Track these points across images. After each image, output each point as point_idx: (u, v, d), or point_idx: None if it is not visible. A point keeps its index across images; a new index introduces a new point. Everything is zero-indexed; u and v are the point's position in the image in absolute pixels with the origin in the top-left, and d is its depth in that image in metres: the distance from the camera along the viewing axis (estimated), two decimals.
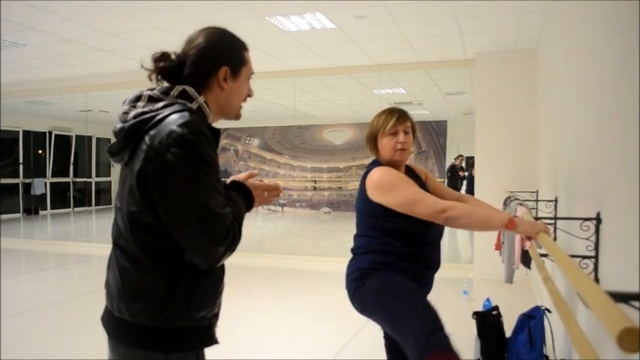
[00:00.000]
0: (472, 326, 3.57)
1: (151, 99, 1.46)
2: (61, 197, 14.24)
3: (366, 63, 7.40)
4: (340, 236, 9.00)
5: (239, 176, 1.67)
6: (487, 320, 3.59)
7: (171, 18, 5.15)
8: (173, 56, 1.50)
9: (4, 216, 11.93)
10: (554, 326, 3.49)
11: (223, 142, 14.26)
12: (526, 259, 3.31)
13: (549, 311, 3.38)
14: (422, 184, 2.41)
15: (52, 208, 13.62)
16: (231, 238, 1.39)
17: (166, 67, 1.48)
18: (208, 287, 1.47)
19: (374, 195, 2.23)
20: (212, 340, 1.52)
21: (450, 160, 12.76)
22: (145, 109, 1.43)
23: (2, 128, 11.10)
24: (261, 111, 12.12)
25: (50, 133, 13.74)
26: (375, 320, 2.22)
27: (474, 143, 6.82)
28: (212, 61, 1.50)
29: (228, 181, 1.63)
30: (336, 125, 13.73)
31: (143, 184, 1.37)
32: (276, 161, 13.97)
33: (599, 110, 2.36)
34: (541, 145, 5.66)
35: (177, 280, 1.40)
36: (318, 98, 10.70)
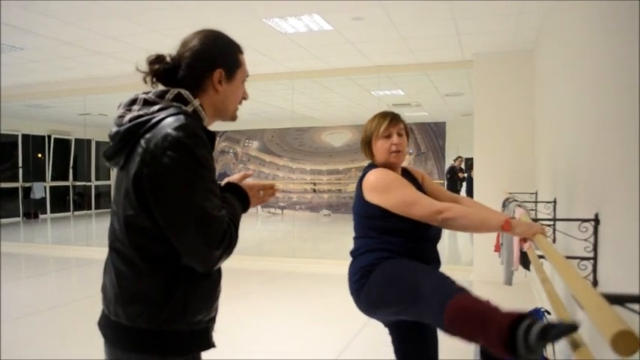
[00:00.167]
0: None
1: (147, 102, 1.46)
2: (60, 201, 14.23)
3: (363, 64, 7.40)
4: (340, 238, 8.98)
5: (233, 177, 1.67)
6: None
7: (170, 21, 5.15)
8: (168, 59, 1.50)
9: (3, 220, 11.92)
10: None
11: (222, 144, 14.27)
12: (525, 261, 3.30)
13: (549, 313, 3.36)
14: (418, 186, 2.42)
15: (51, 212, 13.61)
16: (227, 241, 1.38)
17: (161, 69, 1.48)
18: (205, 291, 1.47)
19: (370, 196, 2.24)
20: (209, 344, 1.51)
21: (449, 162, 12.75)
22: (141, 113, 1.43)
23: (1, 132, 11.08)
24: (259, 113, 12.12)
25: (49, 136, 13.73)
26: (386, 313, 2.19)
27: (473, 144, 6.81)
28: (207, 64, 1.50)
29: (223, 183, 1.62)
30: (335, 127, 13.73)
31: (139, 187, 1.37)
32: (276, 163, 13.97)
33: (597, 111, 2.36)
34: (540, 146, 5.65)
35: (173, 283, 1.40)
36: (316, 100, 10.70)
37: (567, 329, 1.23)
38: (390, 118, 2.36)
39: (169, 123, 1.37)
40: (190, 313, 1.42)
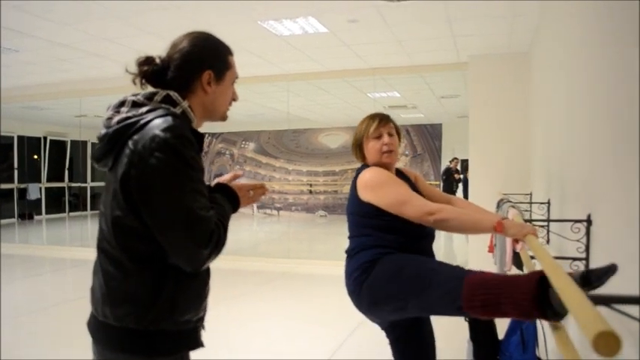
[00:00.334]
0: (465, 329, 3.56)
1: (135, 104, 1.47)
2: (56, 202, 14.20)
3: (359, 67, 7.41)
4: (336, 239, 8.98)
5: (223, 178, 1.68)
6: (480, 323, 3.58)
7: (165, 23, 5.14)
8: (157, 60, 1.51)
9: None
10: (546, 328, 3.49)
11: (219, 146, 14.26)
12: (518, 262, 3.31)
13: None
14: (412, 186, 2.41)
15: (47, 213, 13.58)
16: (215, 241, 1.38)
17: (150, 71, 1.49)
18: (193, 291, 1.47)
19: (364, 194, 2.22)
20: (197, 344, 1.52)
21: (445, 163, 12.77)
22: (129, 115, 1.44)
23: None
24: (256, 115, 12.12)
25: (45, 138, 13.71)
26: (388, 310, 2.15)
27: (468, 146, 6.83)
28: (196, 65, 1.51)
29: (213, 183, 1.63)
30: (331, 129, 13.74)
31: (126, 188, 1.38)
32: (272, 165, 13.97)
33: (590, 113, 2.37)
34: (535, 148, 5.67)
35: (161, 283, 1.40)
36: (312, 102, 10.71)
37: (609, 270, 1.26)
38: (380, 119, 2.35)
39: (157, 124, 1.38)
40: (178, 313, 1.43)
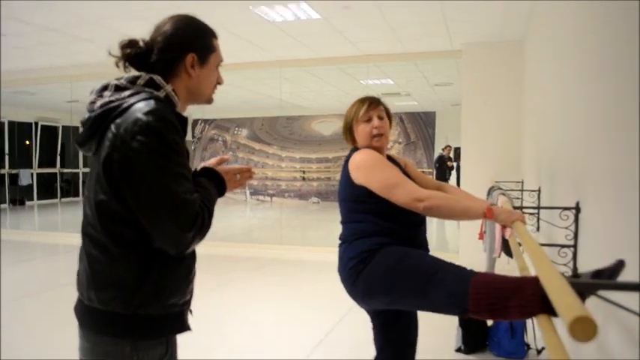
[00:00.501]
0: (454, 315, 3.59)
1: (118, 88, 1.46)
2: (48, 188, 14.15)
3: (352, 53, 7.37)
4: (328, 226, 9.01)
5: (209, 162, 1.67)
6: None
7: (156, 7, 5.08)
8: (141, 43, 1.49)
9: None
10: None
11: (212, 132, 14.19)
12: (507, 248, 3.33)
13: None
14: (403, 172, 2.38)
15: (38, 199, 13.53)
16: (199, 224, 1.38)
17: (133, 53, 1.48)
18: (179, 274, 1.47)
19: (356, 175, 2.19)
20: (183, 327, 1.52)
21: (438, 151, 12.77)
22: (112, 99, 1.43)
23: None
24: (249, 102, 12.07)
25: (36, 123, 13.62)
26: (383, 302, 2.13)
27: (461, 134, 6.83)
28: (179, 48, 1.50)
29: (199, 167, 1.62)
30: (324, 116, 13.68)
31: (110, 172, 1.37)
32: (265, 152, 13.92)
33: (581, 101, 2.37)
34: (527, 136, 5.68)
35: (146, 267, 1.40)
36: (305, 89, 10.67)
37: (619, 266, 1.25)
38: (370, 102, 2.32)
39: (139, 108, 1.37)
40: (164, 297, 1.43)
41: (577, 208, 2.45)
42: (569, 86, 2.73)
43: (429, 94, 11.54)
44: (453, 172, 12.50)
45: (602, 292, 1.14)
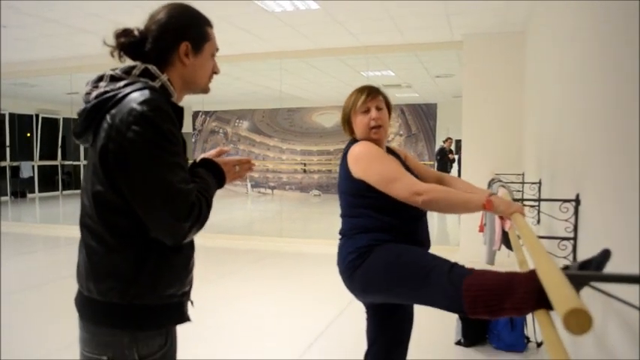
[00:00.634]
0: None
1: (113, 78, 1.46)
2: (49, 180, 14.16)
3: (352, 45, 7.33)
4: (329, 219, 9.01)
5: (208, 153, 1.67)
6: None
7: None
8: (136, 32, 1.49)
9: None
10: None
11: (212, 124, 14.17)
12: (507, 241, 3.32)
13: None
14: (403, 164, 2.35)
15: (39, 191, 13.54)
16: (196, 214, 1.37)
17: (127, 42, 1.47)
18: (176, 265, 1.47)
19: (355, 169, 2.15)
20: (183, 318, 1.52)
21: (439, 143, 12.74)
22: (107, 89, 1.43)
23: None
24: (248, 94, 12.04)
25: (37, 115, 13.61)
26: (380, 298, 2.13)
27: (462, 126, 6.80)
28: (172, 37, 1.49)
29: (198, 159, 1.62)
30: (325, 108, 13.65)
31: (106, 162, 1.37)
32: (266, 144, 13.90)
33: (582, 93, 2.36)
34: (528, 128, 5.66)
35: (144, 258, 1.40)
36: (305, 81, 10.63)
37: (605, 256, 1.25)
38: (367, 92, 2.27)
39: (134, 98, 1.36)
40: (161, 288, 1.43)
41: (577, 201, 2.44)
42: (570, 78, 2.71)
43: (429, 86, 11.50)
44: (454, 165, 12.48)
45: (594, 283, 1.13)
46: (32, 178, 13.33)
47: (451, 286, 1.75)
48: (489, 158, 6.39)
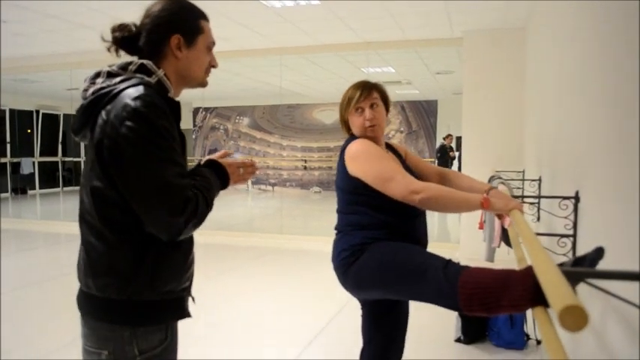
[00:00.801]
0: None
1: (110, 75, 1.46)
2: (49, 177, 14.16)
3: (353, 41, 7.32)
4: (329, 216, 8.98)
5: (214, 155, 1.68)
6: None
7: None
8: (132, 27, 1.50)
9: None
10: None
11: (213, 121, 14.18)
12: (507, 238, 3.31)
13: None
14: (402, 162, 2.34)
15: (40, 188, 13.55)
16: (191, 209, 1.37)
17: (121, 37, 1.48)
18: (175, 261, 1.47)
19: (352, 167, 2.14)
20: (183, 314, 1.52)
21: (440, 140, 12.74)
22: (103, 85, 1.43)
23: None
24: (249, 90, 12.02)
25: (37, 111, 13.60)
26: (375, 295, 2.13)
27: (462, 123, 6.79)
28: (164, 29, 1.49)
29: (204, 160, 1.62)
30: (326, 104, 13.64)
31: (102, 158, 1.38)
32: (266, 140, 13.90)
33: (583, 92, 2.35)
34: (528, 125, 5.65)
35: (142, 254, 1.40)
36: (306, 77, 10.62)
37: (599, 253, 1.26)
38: (361, 91, 2.23)
39: (129, 94, 1.37)
40: (160, 284, 1.43)
41: (576, 198, 2.44)
42: (570, 75, 2.71)
43: (430, 83, 11.48)
44: (455, 162, 12.47)
45: (590, 280, 1.13)
46: (33, 174, 13.34)
47: (447, 283, 1.75)
48: (490, 155, 6.38)
